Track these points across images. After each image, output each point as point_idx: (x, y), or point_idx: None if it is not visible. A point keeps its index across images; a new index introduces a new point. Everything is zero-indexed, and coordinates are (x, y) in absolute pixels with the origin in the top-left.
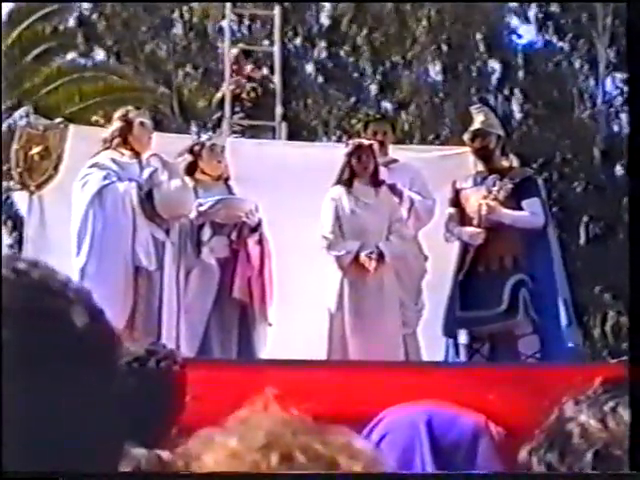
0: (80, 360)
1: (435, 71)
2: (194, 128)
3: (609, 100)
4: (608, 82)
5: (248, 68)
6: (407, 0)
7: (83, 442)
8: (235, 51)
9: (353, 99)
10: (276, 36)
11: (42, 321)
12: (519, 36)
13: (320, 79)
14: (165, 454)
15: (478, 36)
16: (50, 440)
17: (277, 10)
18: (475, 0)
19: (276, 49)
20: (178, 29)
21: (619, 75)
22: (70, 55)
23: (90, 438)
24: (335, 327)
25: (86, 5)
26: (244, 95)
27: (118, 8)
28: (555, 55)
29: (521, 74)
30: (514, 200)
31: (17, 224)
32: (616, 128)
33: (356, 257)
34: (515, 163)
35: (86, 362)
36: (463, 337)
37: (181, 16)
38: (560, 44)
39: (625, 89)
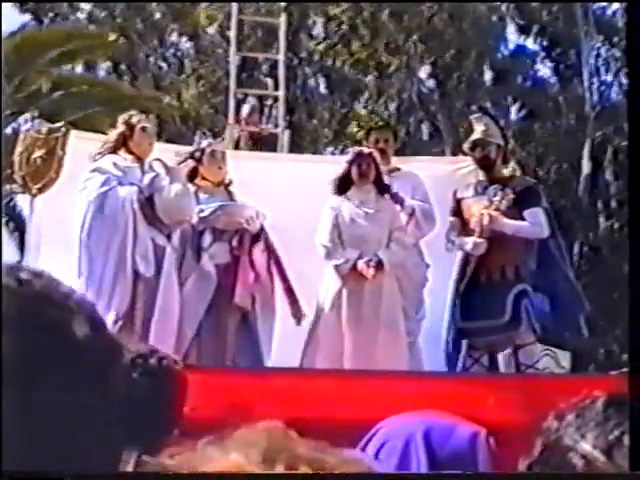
0: (81, 370)
1: (430, 79)
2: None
3: (596, 105)
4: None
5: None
6: (407, 0)
7: (83, 450)
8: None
9: (354, 107)
10: (281, 44)
11: (43, 331)
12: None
13: (322, 88)
14: (166, 461)
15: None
16: (50, 447)
17: (282, 18)
18: (469, 0)
19: (281, 57)
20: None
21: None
22: (76, 64)
23: (90, 446)
24: (331, 336)
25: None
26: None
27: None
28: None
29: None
30: (516, 210)
31: (19, 227)
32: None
33: (355, 265)
34: (517, 172)
35: (87, 372)
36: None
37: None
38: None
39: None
